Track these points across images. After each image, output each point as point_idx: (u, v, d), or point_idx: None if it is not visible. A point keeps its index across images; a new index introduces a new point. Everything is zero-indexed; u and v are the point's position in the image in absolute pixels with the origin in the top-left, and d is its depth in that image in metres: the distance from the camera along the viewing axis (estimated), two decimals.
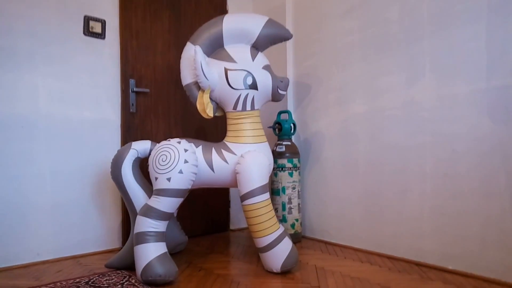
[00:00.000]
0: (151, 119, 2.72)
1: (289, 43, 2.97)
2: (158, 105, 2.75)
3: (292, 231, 2.62)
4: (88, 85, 2.48)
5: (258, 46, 2.21)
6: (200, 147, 2.09)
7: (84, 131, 2.46)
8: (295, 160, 2.66)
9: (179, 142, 1.99)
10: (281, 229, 2.03)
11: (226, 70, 2.09)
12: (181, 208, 2.79)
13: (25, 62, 2.25)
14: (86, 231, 2.45)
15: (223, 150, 2.09)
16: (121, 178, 2.05)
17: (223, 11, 3.17)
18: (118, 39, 2.61)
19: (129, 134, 2.61)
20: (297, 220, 2.64)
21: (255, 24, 2.14)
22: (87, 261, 2.31)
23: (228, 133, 2.17)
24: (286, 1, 2.98)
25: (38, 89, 2.30)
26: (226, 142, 2.14)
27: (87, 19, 2.48)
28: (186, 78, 2.17)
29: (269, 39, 2.21)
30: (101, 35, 2.53)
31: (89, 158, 2.48)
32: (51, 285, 1.85)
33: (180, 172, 1.91)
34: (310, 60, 2.82)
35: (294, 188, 2.64)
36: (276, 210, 2.66)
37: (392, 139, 2.24)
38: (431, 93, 2.05)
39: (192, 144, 2.04)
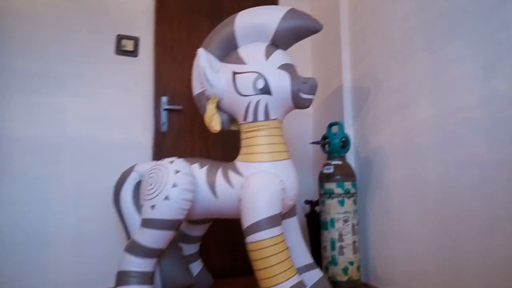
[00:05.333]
0: (186, 139, 2.47)
1: (344, 42, 2.44)
2: (194, 123, 2.50)
3: (345, 278, 2.01)
4: (118, 105, 2.37)
5: (278, 43, 1.79)
6: (205, 168, 1.74)
7: (112, 153, 2.33)
8: (348, 185, 2.08)
9: (171, 162, 1.67)
10: (296, 278, 1.50)
11: (234, 74, 1.72)
12: (205, 237, 2.44)
13: (55, 85, 2.24)
14: (109, 264, 2.26)
15: (230, 171, 1.69)
16: (120, 203, 1.80)
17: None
18: (152, 55, 2.47)
19: (160, 156, 2.40)
20: (351, 263, 2.03)
21: (271, 17, 1.73)
22: None
23: (241, 150, 1.76)
24: None
25: (67, 111, 2.26)
26: (236, 162, 1.74)
27: (119, 38, 2.40)
28: (196, 87, 1.86)
29: (292, 33, 1.75)
30: (133, 53, 2.42)
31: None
32: None
33: (166, 198, 1.57)
34: (367, 59, 2.23)
35: (346, 220, 2.05)
36: (324, 249, 2.10)
37: (471, 152, 1.52)
38: None
39: (189, 165, 1.68)
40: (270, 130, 1.71)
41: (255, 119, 1.70)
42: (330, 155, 2.18)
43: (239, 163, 1.71)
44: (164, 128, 2.42)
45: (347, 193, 2.06)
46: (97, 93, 2.33)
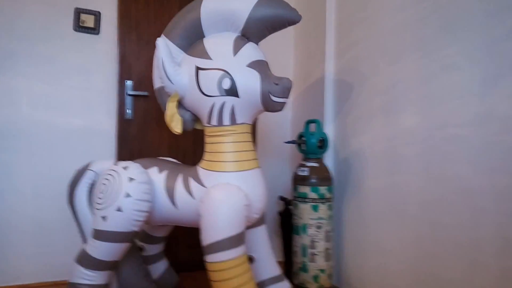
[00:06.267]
0: (153, 128, 2.27)
1: (329, 28, 2.20)
2: (162, 111, 2.29)
3: (315, 286, 1.91)
4: (78, 88, 2.14)
5: (249, 35, 1.56)
6: (165, 173, 1.56)
7: (72, 141, 2.13)
8: (323, 189, 1.93)
9: (125, 168, 1.48)
10: None
11: (197, 70, 1.50)
12: (173, 230, 2.31)
13: (5, 63, 2.00)
14: (72, 255, 2.11)
15: (191, 179, 1.52)
16: (74, 204, 1.63)
17: None
18: (116, 33, 2.21)
19: (125, 145, 2.21)
20: (323, 271, 1.92)
21: (243, 4, 1.49)
22: None
23: (204, 155, 1.58)
24: None
25: (20, 94, 2.03)
26: (199, 168, 1.56)
27: (77, 12, 2.12)
28: (156, 81, 1.64)
29: (265, 24, 1.52)
30: (94, 30, 2.16)
31: None
32: None
33: (119, 209, 1.41)
34: (354, 50, 2.02)
35: (319, 227, 1.92)
36: (295, 254, 1.98)
37: (457, 174, 1.37)
38: None
39: (145, 171, 1.50)
40: (237, 136, 1.52)
41: (220, 123, 1.51)
42: (306, 155, 2.01)
43: (201, 170, 1.53)
44: (129, 115, 2.21)
45: (321, 198, 1.92)
46: (54, 73, 2.10)
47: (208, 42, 1.53)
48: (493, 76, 1.25)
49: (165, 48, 1.50)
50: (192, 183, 1.50)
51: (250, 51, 1.51)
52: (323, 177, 1.95)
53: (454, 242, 1.38)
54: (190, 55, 1.55)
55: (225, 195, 1.39)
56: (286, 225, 2.26)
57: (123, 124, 2.20)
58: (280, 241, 2.48)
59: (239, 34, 1.55)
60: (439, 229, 1.44)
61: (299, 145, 2.05)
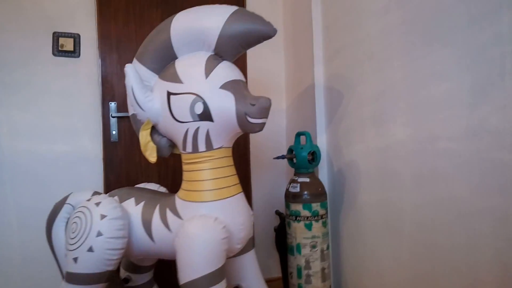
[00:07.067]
0: (139, 149, 2.19)
1: (316, 32, 2.09)
2: None
3: None
4: (60, 114, 2.09)
5: (223, 53, 1.46)
6: (142, 204, 1.49)
7: (57, 168, 2.08)
8: (316, 206, 1.83)
9: (97, 204, 1.41)
10: None
11: (168, 95, 1.42)
12: None
13: None
14: (58, 286, 2.06)
15: (168, 211, 1.44)
16: (52, 240, 1.57)
17: (238, 0, 2.44)
18: (96, 54, 2.15)
19: (112, 169, 2.15)
20: None
21: (213, 21, 1.39)
22: None
23: (182, 184, 1.50)
24: None
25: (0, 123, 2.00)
26: (176, 198, 1.48)
27: (56, 37, 2.07)
28: (129, 107, 1.57)
29: (239, 40, 1.42)
30: (74, 53, 2.11)
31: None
32: None
33: (90, 250, 1.33)
34: (341, 56, 1.91)
35: (314, 246, 1.82)
36: (291, 275, 1.89)
37: (450, 192, 1.25)
38: None
39: (119, 205, 1.42)
40: (214, 162, 1.43)
41: (195, 150, 1.42)
42: (297, 170, 1.91)
43: (178, 200, 1.45)
44: (114, 137, 2.15)
45: (315, 215, 1.82)
46: (34, 100, 2.05)
47: (179, 65, 1.45)
48: (483, 84, 1.13)
49: (134, 74, 1.42)
50: (169, 215, 1.42)
51: (224, 71, 1.42)
52: (316, 192, 1.85)
53: (450, 265, 1.26)
54: (162, 79, 1.46)
55: (201, 229, 1.30)
56: (282, 240, 2.16)
57: (109, 147, 2.15)
58: (277, 257, 2.39)
59: (212, 53, 1.46)
60: (435, 251, 1.33)
61: (290, 159, 1.96)
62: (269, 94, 2.52)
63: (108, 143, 2.14)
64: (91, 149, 2.14)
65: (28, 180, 2.04)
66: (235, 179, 1.48)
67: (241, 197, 1.48)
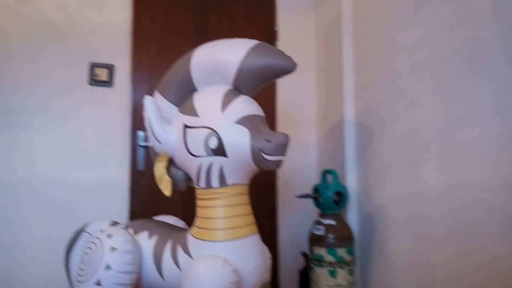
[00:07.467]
0: None
1: (346, 65, 2.01)
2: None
3: None
4: (91, 141, 2.14)
5: (241, 88, 1.42)
6: (155, 238, 1.44)
7: (85, 194, 2.11)
8: (342, 251, 1.69)
9: (109, 236, 1.37)
10: None
11: (184, 128, 1.39)
12: None
13: (23, 120, 2.05)
14: None
15: (179, 248, 1.38)
16: (69, 268, 1.56)
17: (269, 33, 2.42)
18: (129, 84, 2.20)
19: (137, 197, 2.15)
20: None
21: (232, 55, 1.36)
22: None
23: (195, 221, 1.44)
24: (344, 8, 2.05)
25: (36, 149, 2.07)
26: (188, 235, 1.41)
27: (92, 67, 2.15)
28: (149, 139, 1.55)
29: (257, 75, 1.37)
30: (108, 83, 2.17)
31: None
32: None
33: (98, 283, 1.29)
34: (372, 91, 1.81)
35: None
36: None
37: (488, 251, 1.09)
38: None
39: (130, 238, 1.38)
40: (228, 199, 1.36)
41: (208, 185, 1.36)
42: (322, 211, 1.80)
43: (190, 238, 1.38)
44: (141, 166, 2.15)
45: (340, 261, 1.68)
46: (69, 128, 2.12)
47: (197, 98, 1.42)
48: None
49: (152, 106, 1.41)
50: (180, 253, 1.36)
51: (241, 105, 1.37)
52: (342, 236, 1.71)
53: None
54: (180, 112, 1.44)
55: (208, 271, 1.22)
56: (306, 284, 2.02)
57: (136, 176, 2.15)
58: None
59: (231, 87, 1.42)
60: None
61: (315, 199, 1.84)
62: (298, 128, 2.44)
63: (135, 172, 2.15)
64: (118, 177, 2.16)
65: (57, 204, 2.08)
66: (249, 219, 1.40)
67: (256, 238, 1.39)
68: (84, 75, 2.15)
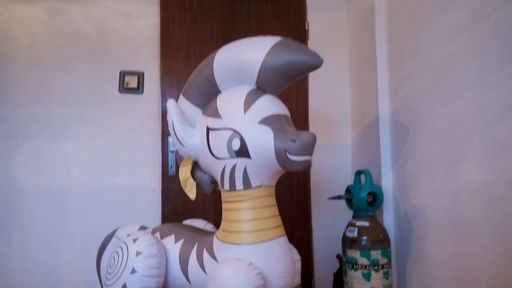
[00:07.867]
0: None
1: (380, 60, 1.92)
2: None
3: None
4: (123, 148, 2.19)
5: (265, 87, 1.38)
6: (181, 242, 1.43)
7: (119, 200, 2.16)
8: (376, 254, 1.60)
9: (135, 240, 1.38)
10: None
11: (207, 130, 1.38)
12: None
13: (59, 129, 2.14)
14: None
15: (205, 252, 1.36)
16: (100, 272, 1.59)
17: (299, 32, 2.38)
18: (158, 90, 2.23)
19: (168, 202, 2.17)
20: None
21: (254, 53, 1.33)
22: None
23: (221, 224, 1.42)
24: (376, 1, 1.96)
25: (72, 157, 2.14)
26: (214, 239, 1.39)
27: (122, 75, 2.20)
28: (173, 143, 1.56)
29: (280, 73, 1.32)
30: (137, 90, 2.21)
31: None
32: None
33: (124, 287, 1.30)
34: (407, 86, 1.71)
35: None
36: None
37: None
38: None
39: (156, 242, 1.38)
40: (253, 201, 1.33)
41: (232, 188, 1.34)
42: (356, 213, 1.72)
43: (216, 241, 1.36)
44: (172, 171, 2.17)
45: (374, 264, 1.60)
46: (101, 135, 2.18)
47: (220, 99, 1.40)
48: None
49: (175, 110, 1.41)
50: (205, 256, 1.34)
51: (264, 105, 1.33)
52: (376, 239, 1.63)
53: None
54: (204, 114, 1.43)
55: (232, 274, 1.19)
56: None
57: (167, 181, 2.17)
58: None
59: (254, 87, 1.39)
60: None
61: (348, 200, 1.77)
62: (332, 127, 2.37)
63: (166, 177, 2.17)
64: (150, 182, 2.19)
65: (92, 210, 2.14)
66: (276, 221, 1.36)
67: (283, 241, 1.35)
68: (115, 83, 2.21)
